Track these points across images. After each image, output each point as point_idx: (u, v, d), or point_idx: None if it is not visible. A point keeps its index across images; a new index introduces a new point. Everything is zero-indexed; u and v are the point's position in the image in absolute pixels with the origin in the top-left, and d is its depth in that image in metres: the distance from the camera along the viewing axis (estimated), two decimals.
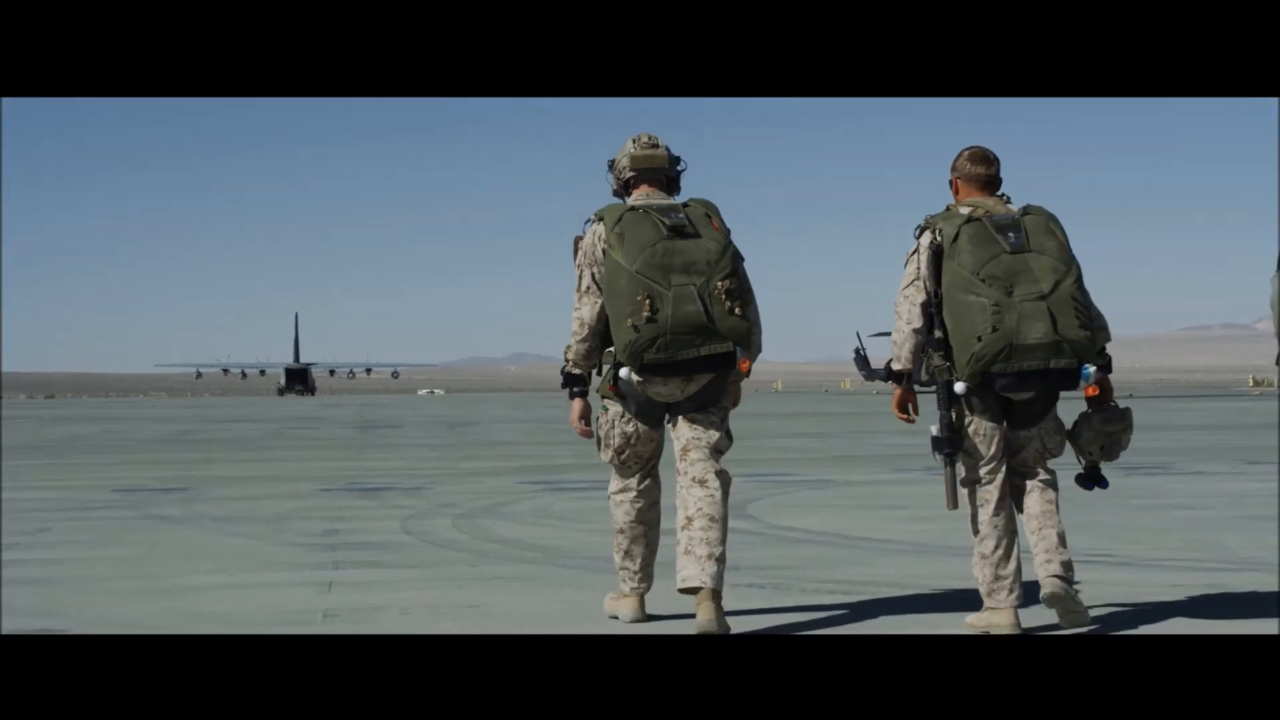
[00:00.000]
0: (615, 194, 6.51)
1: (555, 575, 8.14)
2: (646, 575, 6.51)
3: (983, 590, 6.11)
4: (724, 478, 6.35)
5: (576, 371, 6.43)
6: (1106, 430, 6.24)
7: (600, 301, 6.24)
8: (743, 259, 6.27)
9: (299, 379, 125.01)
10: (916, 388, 6.36)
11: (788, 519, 11.18)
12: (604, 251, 6.17)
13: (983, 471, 6.14)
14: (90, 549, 9.68)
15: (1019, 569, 6.11)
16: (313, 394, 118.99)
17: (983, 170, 6.28)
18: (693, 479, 6.28)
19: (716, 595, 6.09)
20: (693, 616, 6.15)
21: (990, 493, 6.13)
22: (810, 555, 8.95)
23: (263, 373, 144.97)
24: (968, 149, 6.37)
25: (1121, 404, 6.36)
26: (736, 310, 6.10)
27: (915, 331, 6.15)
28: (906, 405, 6.35)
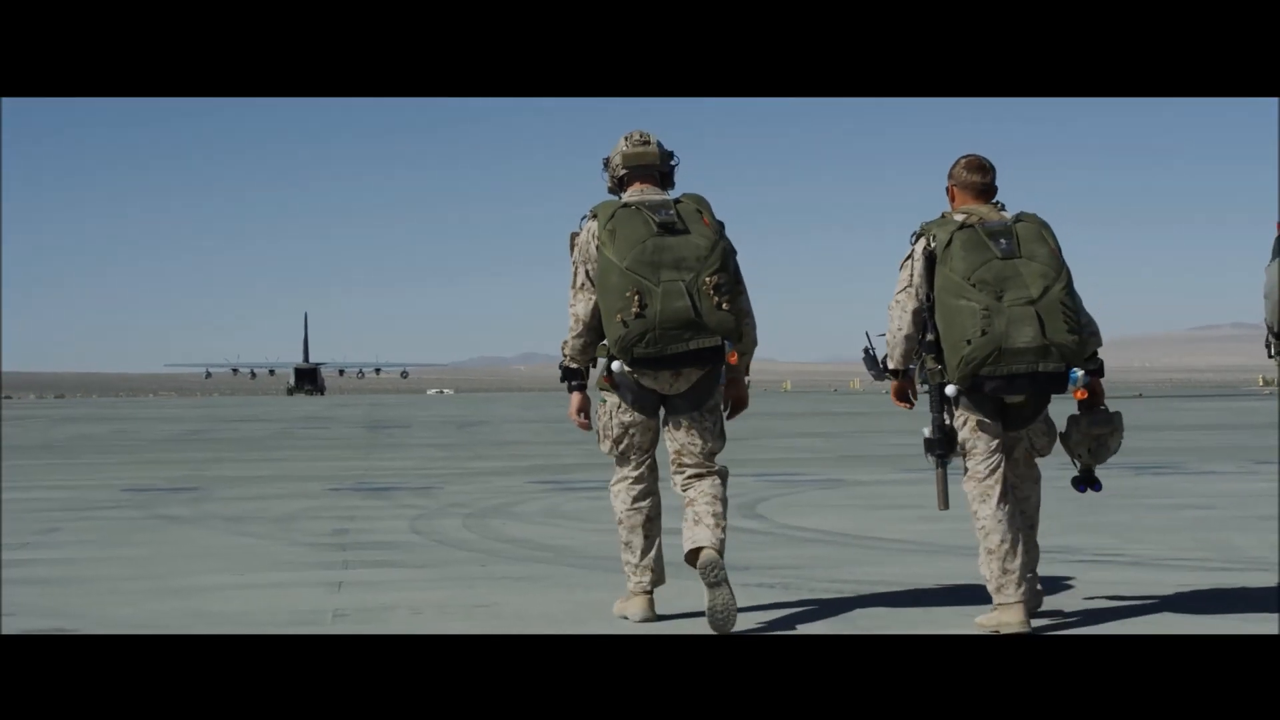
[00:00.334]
0: (610, 191, 6.61)
1: (565, 575, 8.14)
2: (649, 569, 6.51)
3: (991, 586, 6.13)
4: (722, 473, 6.50)
5: (573, 366, 6.55)
6: (1093, 433, 6.37)
7: (594, 298, 6.34)
8: (735, 253, 6.39)
9: (308, 379, 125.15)
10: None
11: (796, 518, 11.18)
12: (597, 248, 6.28)
13: (983, 467, 6.20)
14: (99, 549, 9.70)
15: (1025, 565, 6.16)
16: (322, 394, 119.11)
17: (978, 178, 6.40)
18: (689, 475, 6.44)
19: (718, 548, 6.23)
20: (701, 615, 6.20)
21: (991, 487, 6.18)
22: (819, 555, 8.95)
23: (272, 372, 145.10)
24: (964, 157, 6.48)
25: (1113, 407, 6.46)
26: (724, 305, 6.20)
27: (906, 338, 6.30)
28: (905, 393, 6.51)
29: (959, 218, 6.26)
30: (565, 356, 6.55)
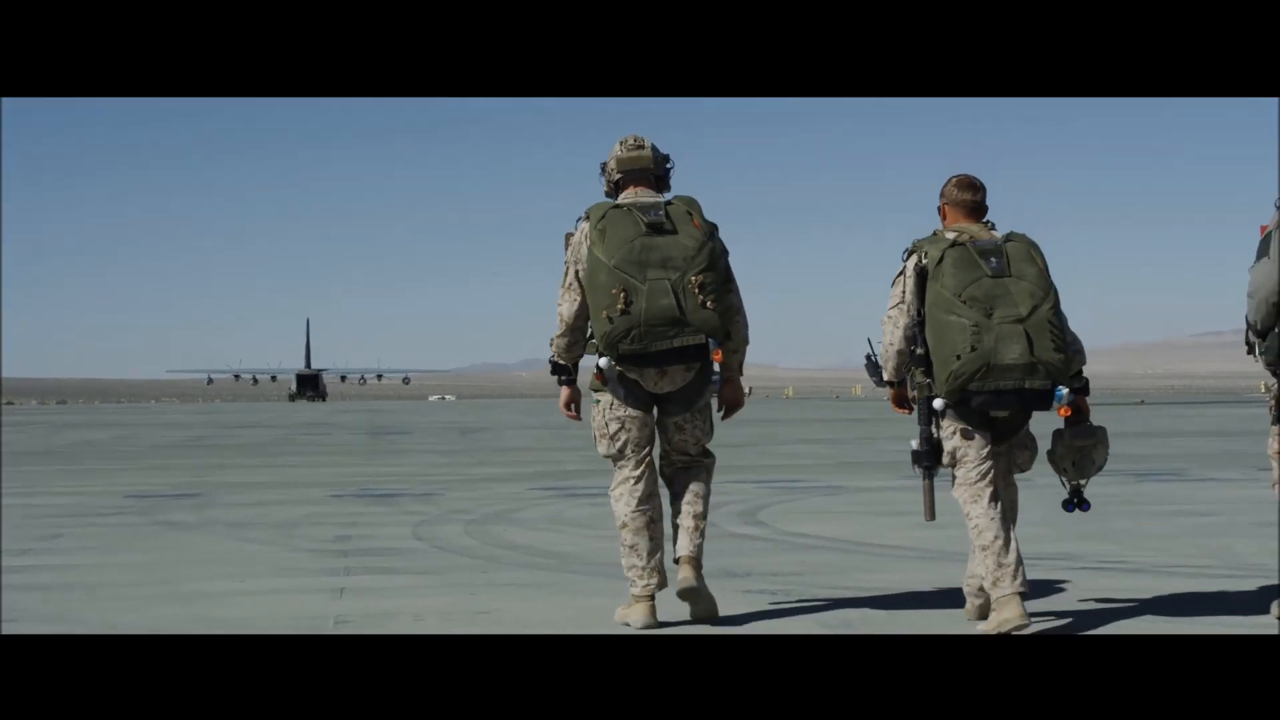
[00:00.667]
0: (607, 194, 6.77)
1: (567, 581, 8.15)
2: (655, 570, 6.54)
3: (988, 583, 6.20)
4: (709, 465, 6.75)
5: (561, 362, 6.73)
6: (1076, 444, 6.48)
7: (579, 299, 6.52)
8: (726, 254, 6.57)
9: (310, 385, 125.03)
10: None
11: (799, 525, 11.19)
12: (588, 248, 6.44)
13: (974, 473, 6.33)
14: (103, 555, 9.71)
15: (1020, 559, 6.23)
16: (324, 400, 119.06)
17: (969, 196, 6.56)
18: (678, 467, 6.71)
19: (696, 560, 6.50)
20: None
21: (983, 490, 6.31)
22: (821, 561, 8.96)
23: (274, 378, 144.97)
24: (955, 177, 6.63)
25: (1095, 422, 6.58)
26: (709, 303, 6.36)
27: (899, 352, 6.46)
28: (904, 400, 6.63)
29: (950, 235, 6.41)
30: (553, 353, 6.74)
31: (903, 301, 6.42)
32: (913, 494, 13.98)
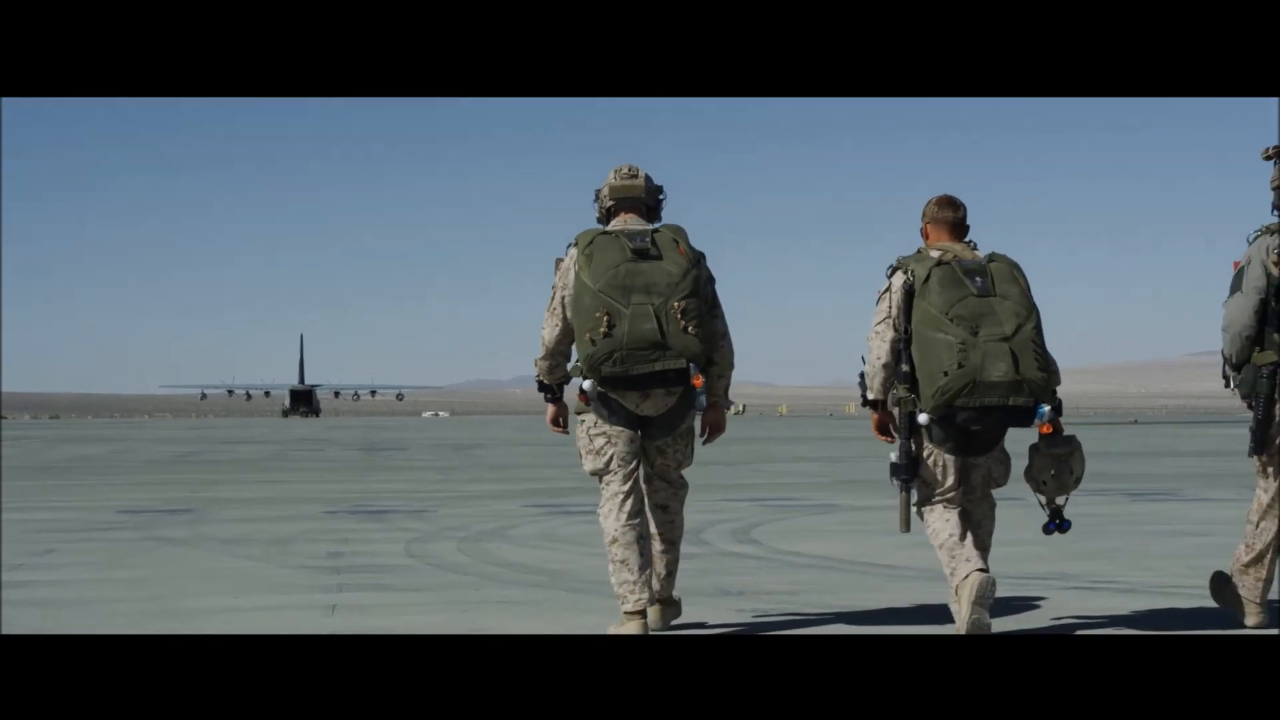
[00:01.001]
0: (599, 221, 6.92)
1: (560, 599, 8.15)
2: (646, 584, 6.58)
3: (947, 571, 6.43)
4: (683, 494, 6.93)
5: (546, 381, 6.90)
6: (1054, 453, 6.56)
7: (561, 324, 6.68)
8: (712, 281, 6.73)
9: (304, 401, 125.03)
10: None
11: (792, 544, 11.18)
12: (575, 273, 6.56)
13: (937, 494, 6.59)
14: (96, 570, 9.70)
15: (973, 543, 6.48)
16: (317, 416, 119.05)
17: (950, 214, 6.77)
18: (655, 505, 6.87)
19: (667, 601, 6.82)
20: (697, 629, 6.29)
21: (946, 505, 6.58)
22: (815, 580, 8.96)
23: (267, 394, 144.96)
24: (935, 197, 6.82)
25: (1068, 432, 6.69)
26: (691, 329, 6.48)
27: (885, 366, 6.61)
28: (887, 427, 6.75)
29: (935, 254, 6.58)
30: (537, 373, 6.93)
31: (889, 317, 6.56)
32: None
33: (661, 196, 6.90)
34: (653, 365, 6.43)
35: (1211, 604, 7.15)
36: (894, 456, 6.56)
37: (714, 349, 6.66)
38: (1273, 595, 6.90)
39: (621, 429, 6.63)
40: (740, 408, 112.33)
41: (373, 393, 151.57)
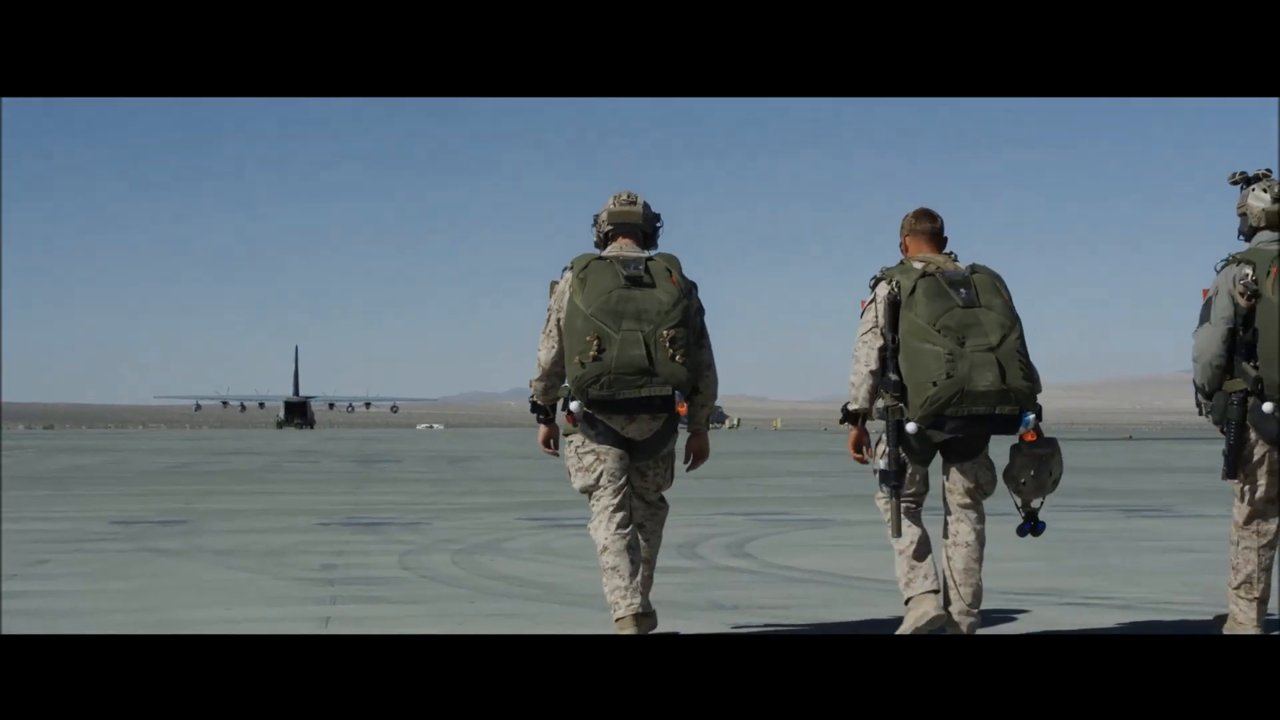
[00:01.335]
0: (596, 245, 7.02)
1: (554, 612, 8.15)
2: (638, 590, 6.63)
3: (901, 583, 6.59)
4: (662, 514, 7.02)
5: (539, 402, 7.00)
6: (1035, 453, 6.65)
7: (556, 345, 6.77)
8: (702, 312, 6.86)
9: (298, 412, 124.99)
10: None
11: (786, 558, 11.19)
12: (569, 297, 6.67)
13: (911, 501, 6.74)
14: (90, 581, 9.69)
15: (934, 562, 6.60)
16: (312, 427, 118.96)
17: (929, 225, 6.90)
18: (636, 525, 6.88)
19: (640, 616, 6.66)
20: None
21: (911, 513, 6.71)
22: (808, 595, 8.97)
23: (262, 405, 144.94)
24: (911, 212, 6.96)
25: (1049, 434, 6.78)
26: (678, 357, 6.60)
27: (872, 374, 6.71)
28: (861, 446, 6.91)
29: (919, 265, 6.69)
30: (532, 394, 6.97)
31: (875, 327, 6.66)
32: None
33: (659, 225, 6.99)
34: (639, 391, 6.54)
35: (1204, 618, 7.17)
36: (882, 464, 6.67)
37: (699, 378, 6.76)
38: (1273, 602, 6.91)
39: (609, 446, 6.70)
40: (735, 422, 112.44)
41: (367, 405, 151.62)
